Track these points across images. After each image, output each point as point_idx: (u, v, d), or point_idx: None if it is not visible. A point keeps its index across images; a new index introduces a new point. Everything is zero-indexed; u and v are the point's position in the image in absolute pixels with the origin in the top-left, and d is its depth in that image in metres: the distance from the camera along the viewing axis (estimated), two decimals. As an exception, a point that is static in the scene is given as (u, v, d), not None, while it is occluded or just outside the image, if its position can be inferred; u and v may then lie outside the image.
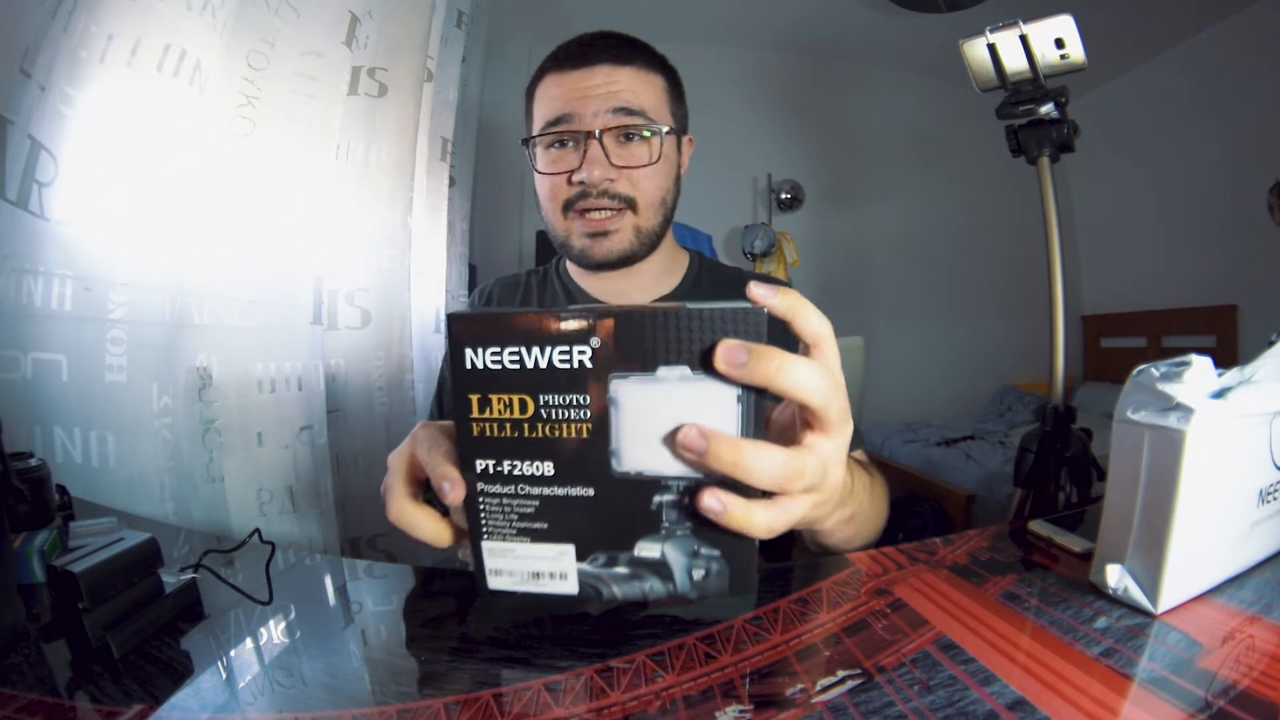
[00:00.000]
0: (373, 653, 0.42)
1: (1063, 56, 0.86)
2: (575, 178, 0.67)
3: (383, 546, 1.30)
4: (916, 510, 2.24)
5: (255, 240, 1.07)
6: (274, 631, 0.45)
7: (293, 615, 0.47)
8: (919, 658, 0.37)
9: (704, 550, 0.35)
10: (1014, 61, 0.88)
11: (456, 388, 0.34)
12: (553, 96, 0.68)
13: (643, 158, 0.68)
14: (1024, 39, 0.86)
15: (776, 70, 3.09)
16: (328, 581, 0.56)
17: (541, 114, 0.69)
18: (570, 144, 0.68)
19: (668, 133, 0.69)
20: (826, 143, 3.22)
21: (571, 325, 0.32)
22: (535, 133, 0.69)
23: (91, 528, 0.58)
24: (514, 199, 2.82)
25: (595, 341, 0.32)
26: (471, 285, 1.84)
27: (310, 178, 1.15)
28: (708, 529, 0.35)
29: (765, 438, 0.33)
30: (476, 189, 1.92)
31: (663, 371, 0.32)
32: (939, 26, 2.52)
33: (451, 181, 1.51)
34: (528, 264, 2.59)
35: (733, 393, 0.32)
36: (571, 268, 0.81)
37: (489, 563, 0.37)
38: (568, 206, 0.69)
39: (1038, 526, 0.56)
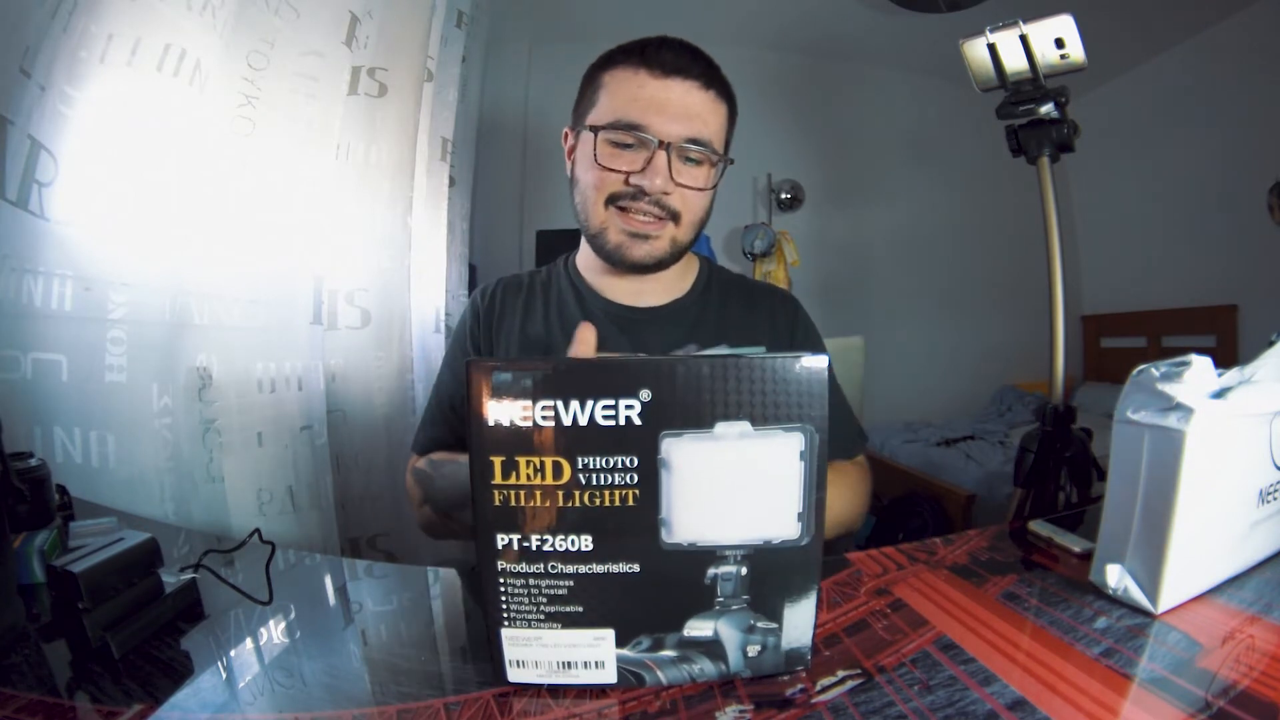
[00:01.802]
0: (373, 653, 0.42)
1: (1063, 56, 0.85)
2: (634, 180, 0.68)
3: (383, 546, 1.30)
4: (916, 510, 2.24)
5: (255, 240, 1.07)
6: (274, 631, 0.45)
7: (293, 615, 0.47)
8: (919, 658, 0.37)
9: (761, 624, 0.32)
10: (1014, 61, 0.88)
11: (476, 448, 0.29)
12: (633, 97, 0.67)
13: (700, 181, 0.70)
14: (1024, 39, 0.86)
15: (776, 70, 3.09)
16: (328, 581, 0.56)
17: (614, 108, 0.68)
18: (635, 146, 0.68)
19: (728, 164, 0.72)
20: (826, 143, 3.22)
21: (618, 376, 0.28)
22: (603, 123, 0.69)
23: (91, 528, 0.58)
24: (514, 199, 2.82)
25: (645, 395, 0.28)
26: (472, 285, 1.84)
27: (310, 178, 1.15)
28: (770, 599, 0.32)
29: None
30: (476, 189, 1.92)
31: (721, 428, 0.29)
32: (939, 26, 2.51)
33: (451, 181, 1.51)
34: (528, 264, 2.59)
35: (795, 449, 0.29)
36: (584, 266, 0.81)
37: (509, 653, 0.33)
38: (612, 200, 0.70)
39: (1038, 526, 0.56)
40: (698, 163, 0.70)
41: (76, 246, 0.82)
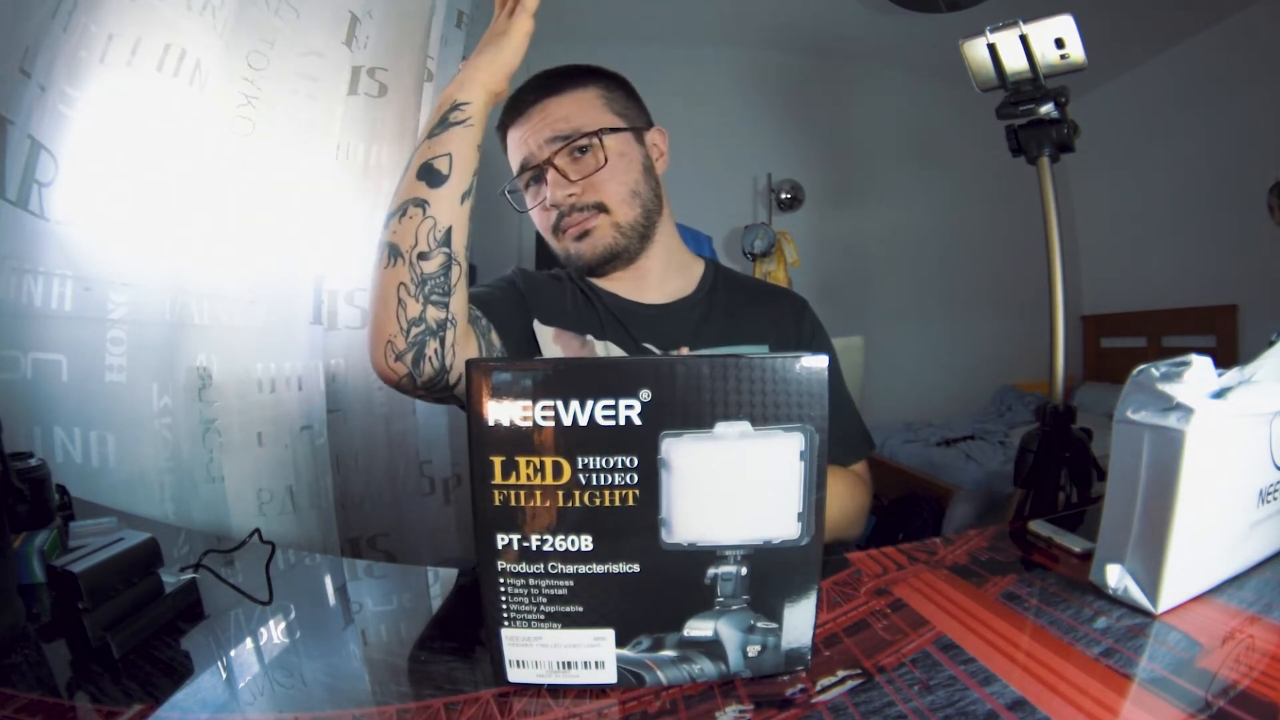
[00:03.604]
0: (373, 653, 0.42)
1: (1063, 56, 0.85)
2: (548, 204, 0.74)
3: (383, 546, 1.30)
4: (916, 510, 2.24)
5: (255, 240, 1.07)
6: (274, 631, 0.45)
7: (293, 615, 0.47)
8: (919, 658, 0.37)
9: (761, 624, 0.32)
10: (1014, 61, 0.88)
11: (476, 449, 0.30)
12: (514, 146, 0.77)
13: (592, 166, 0.74)
14: (1024, 39, 0.86)
15: (776, 70, 3.09)
16: (328, 581, 0.56)
17: (513, 163, 0.79)
18: (535, 179, 0.76)
19: (611, 133, 0.74)
20: (826, 143, 3.22)
21: (618, 376, 0.28)
22: (513, 179, 0.79)
23: (91, 528, 0.58)
24: (514, 199, 2.81)
25: (645, 395, 0.28)
26: (471, 285, 1.82)
27: (310, 178, 1.15)
28: (770, 599, 0.32)
29: None
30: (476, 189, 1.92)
31: (721, 428, 0.29)
32: (939, 26, 2.51)
33: (451, 181, 1.51)
34: (528, 264, 2.58)
35: (795, 449, 0.29)
36: None
37: (510, 653, 0.33)
38: (555, 230, 0.77)
39: (1038, 526, 0.56)
40: (586, 150, 0.73)
41: (76, 246, 0.82)
